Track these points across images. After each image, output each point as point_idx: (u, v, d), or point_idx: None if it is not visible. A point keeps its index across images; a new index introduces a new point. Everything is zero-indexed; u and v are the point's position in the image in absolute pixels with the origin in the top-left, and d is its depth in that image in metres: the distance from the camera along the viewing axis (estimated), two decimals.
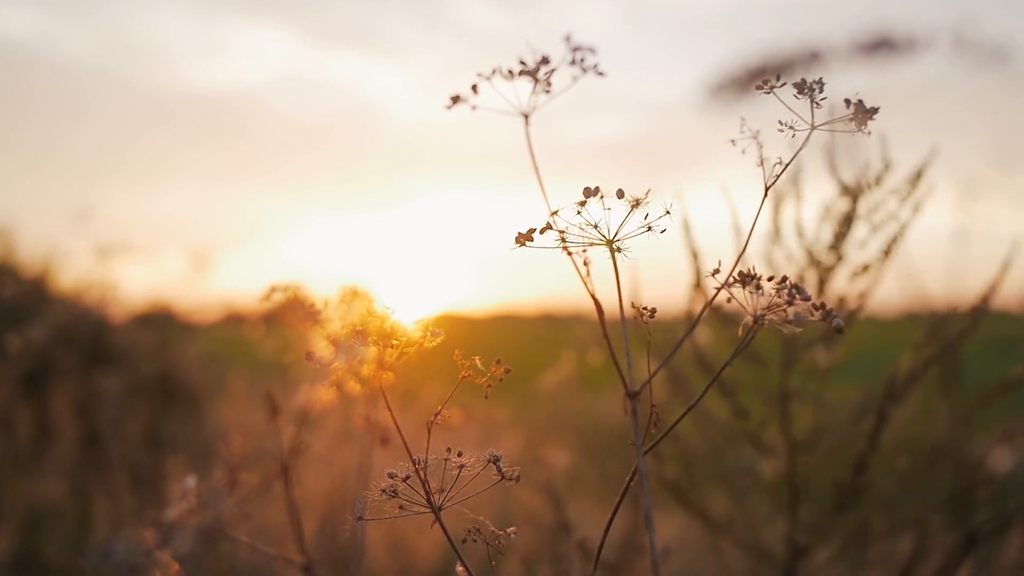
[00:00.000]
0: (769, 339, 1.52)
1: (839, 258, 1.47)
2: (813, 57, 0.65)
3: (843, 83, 0.69)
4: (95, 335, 3.93)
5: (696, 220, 1.57)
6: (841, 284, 1.49)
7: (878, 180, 1.39)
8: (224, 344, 4.86)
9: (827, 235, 1.48)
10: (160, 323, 4.56)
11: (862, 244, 1.45)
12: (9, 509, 2.67)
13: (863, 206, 1.43)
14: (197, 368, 4.21)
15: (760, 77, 0.67)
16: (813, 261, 1.50)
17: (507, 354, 0.75)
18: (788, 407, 1.52)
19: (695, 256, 1.58)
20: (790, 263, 1.52)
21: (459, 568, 0.73)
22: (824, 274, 1.50)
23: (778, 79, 0.74)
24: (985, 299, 1.39)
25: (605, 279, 0.76)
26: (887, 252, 1.41)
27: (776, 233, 1.53)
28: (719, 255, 0.74)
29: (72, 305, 4.17)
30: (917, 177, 1.39)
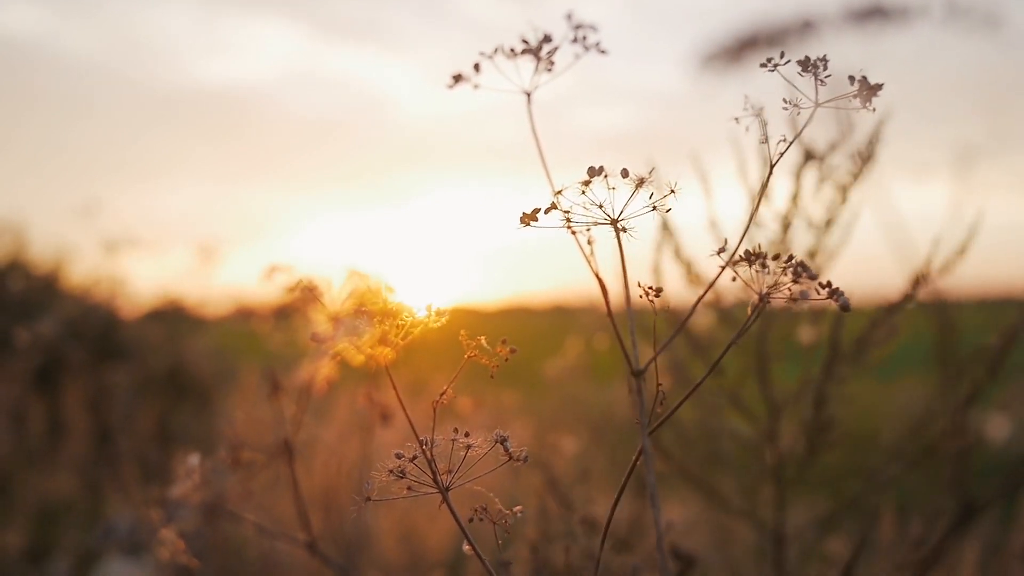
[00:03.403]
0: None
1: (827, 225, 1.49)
2: (805, 26, 0.64)
3: (835, 53, 0.68)
4: (105, 330, 3.95)
5: (694, 212, 1.59)
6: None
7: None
8: (234, 338, 4.88)
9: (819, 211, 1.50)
10: (170, 318, 4.58)
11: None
12: (21, 503, 2.69)
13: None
14: (207, 362, 4.23)
15: (751, 47, 0.66)
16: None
17: (516, 344, 0.75)
18: (766, 367, 1.57)
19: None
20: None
21: (465, 547, 0.73)
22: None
23: (782, 56, 0.73)
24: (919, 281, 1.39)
25: (615, 267, 0.76)
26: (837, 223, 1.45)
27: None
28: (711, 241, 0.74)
29: (82, 300, 4.20)
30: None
